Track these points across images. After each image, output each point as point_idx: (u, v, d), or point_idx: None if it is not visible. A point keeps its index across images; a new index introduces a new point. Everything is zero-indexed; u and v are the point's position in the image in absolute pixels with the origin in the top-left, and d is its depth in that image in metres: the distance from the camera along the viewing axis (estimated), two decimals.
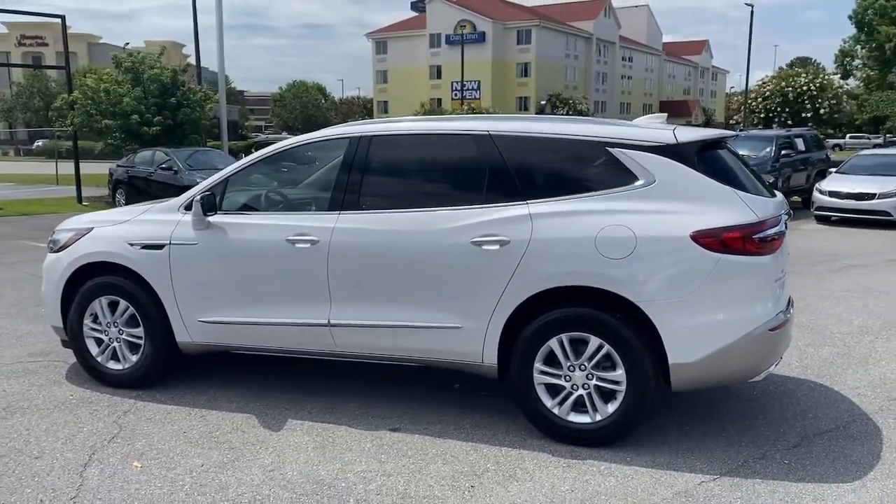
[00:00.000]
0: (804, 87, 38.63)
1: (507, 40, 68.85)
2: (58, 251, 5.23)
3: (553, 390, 4.18)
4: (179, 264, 4.79)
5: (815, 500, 3.52)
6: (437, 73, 70.54)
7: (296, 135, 8.95)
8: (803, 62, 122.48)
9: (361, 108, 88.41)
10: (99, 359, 5.13)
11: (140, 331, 4.98)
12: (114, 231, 5.03)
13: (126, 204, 13.98)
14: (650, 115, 4.82)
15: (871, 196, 14.06)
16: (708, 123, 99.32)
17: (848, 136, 59.44)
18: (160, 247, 4.84)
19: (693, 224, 3.89)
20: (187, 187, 7.10)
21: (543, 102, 56.81)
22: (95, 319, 5.11)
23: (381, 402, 4.80)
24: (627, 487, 3.66)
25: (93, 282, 5.06)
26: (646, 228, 3.92)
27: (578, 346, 4.08)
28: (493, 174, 4.29)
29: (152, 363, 5.00)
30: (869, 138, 55.52)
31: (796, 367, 5.46)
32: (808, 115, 38.37)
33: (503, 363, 4.26)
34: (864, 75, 51.89)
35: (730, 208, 3.94)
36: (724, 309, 3.89)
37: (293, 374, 5.31)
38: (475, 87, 66.19)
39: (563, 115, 50.11)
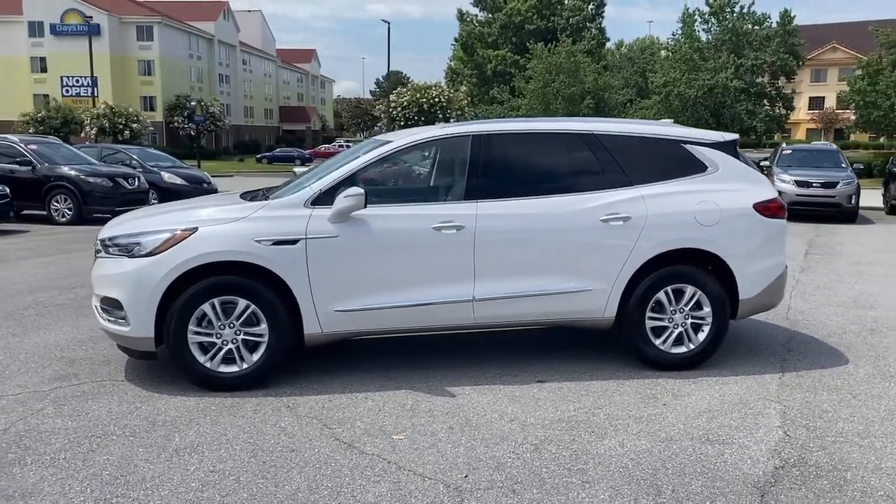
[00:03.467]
0: (436, 99, 43.66)
1: (126, 36, 64.15)
2: (145, 256, 4.85)
3: (658, 332, 5.43)
4: (318, 257, 4.92)
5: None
6: (41, 65, 62.83)
7: None
8: (395, 74, 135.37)
9: None
10: (208, 364, 4.93)
11: (261, 328, 4.94)
12: (230, 229, 4.90)
13: None
14: (664, 121, 6.31)
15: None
16: (324, 129, 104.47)
17: None
18: (294, 241, 4.90)
19: (752, 198, 5.49)
20: None
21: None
22: (200, 323, 4.90)
23: (508, 364, 5.52)
24: (741, 390, 5.10)
25: (202, 283, 4.85)
26: (724, 202, 5.41)
27: (679, 295, 5.40)
28: (604, 165, 5.39)
29: (274, 361, 5.00)
30: None
31: None
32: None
33: (620, 316, 5.38)
34: (468, 90, 60.01)
35: (765, 186, 5.64)
36: (770, 257, 5.57)
37: (404, 354, 5.67)
38: (91, 84, 60.45)
39: (198, 116, 48.97)
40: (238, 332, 4.93)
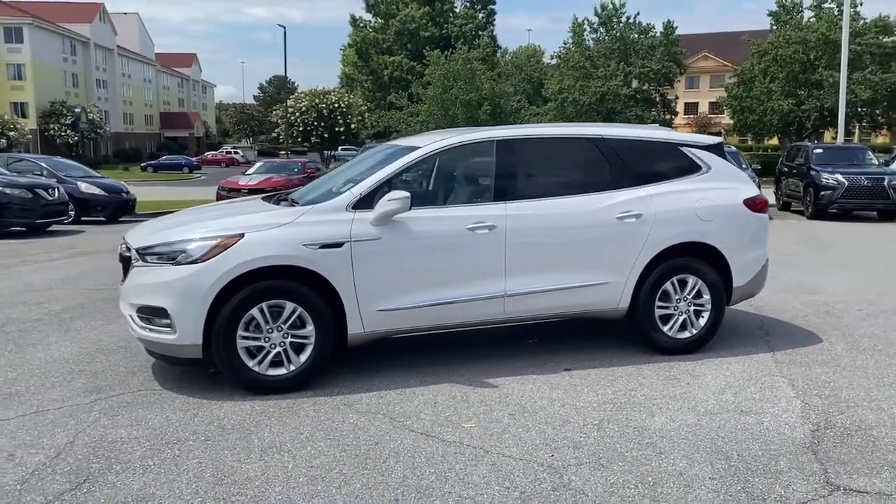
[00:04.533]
0: (335, 105, 43.47)
1: None
2: (193, 263, 4.87)
3: (665, 319, 5.92)
4: (362, 259, 5.09)
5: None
6: None
7: None
8: (279, 79, 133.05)
9: None
10: (256, 368, 5.00)
11: (307, 330, 5.05)
12: (278, 234, 4.99)
13: None
14: (653, 126, 6.83)
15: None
16: (208, 135, 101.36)
17: (340, 148, 67.58)
18: (340, 245, 5.05)
19: (741, 195, 6.08)
20: None
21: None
22: (247, 328, 4.96)
23: (530, 356, 5.85)
24: (745, 368, 5.66)
25: (251, 288, 4.92)
26: (719, 199, 5.97)
27: (683, 284, 5.91)
28: (615, 167, 5.83)
29: (320, 361, 5.13)
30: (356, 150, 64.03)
31: None
32: (341, 129, 43.38)
33: (632, 306, 5.83)
34: (364, 96, 59.96)
35: (750, 184, 6.25)
36: (757, 248, 6.17)
37: (434, 351, 5.88)
38: None
39: (83, 124, 46.60)
40: (286, 335, 5.02)
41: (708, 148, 6.17)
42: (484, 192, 5.62)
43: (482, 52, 46.97)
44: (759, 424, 4.50)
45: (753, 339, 6.44)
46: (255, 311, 4.93)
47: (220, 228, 5.03)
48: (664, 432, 4.38)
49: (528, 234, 5.47)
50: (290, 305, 5.00)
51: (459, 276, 5.35)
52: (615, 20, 41.86)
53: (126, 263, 5.38)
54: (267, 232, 5.00)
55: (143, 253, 5.06)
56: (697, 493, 3.63)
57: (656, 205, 5.77)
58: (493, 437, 4.33)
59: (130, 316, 5.15)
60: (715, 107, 72.64)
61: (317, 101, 43.59)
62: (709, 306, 5.97)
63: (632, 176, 5.85)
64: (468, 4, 58.94)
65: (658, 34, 41.73)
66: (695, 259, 5.92)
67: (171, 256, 4.95)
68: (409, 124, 42.83)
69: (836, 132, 39.68)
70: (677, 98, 48.36)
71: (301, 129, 43.81)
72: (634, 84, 41.33)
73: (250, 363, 4.97)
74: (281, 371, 5.04)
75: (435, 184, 5.80)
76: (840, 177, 17.43)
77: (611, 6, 42.02)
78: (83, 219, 16.24)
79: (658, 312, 5.88)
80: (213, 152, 75.31)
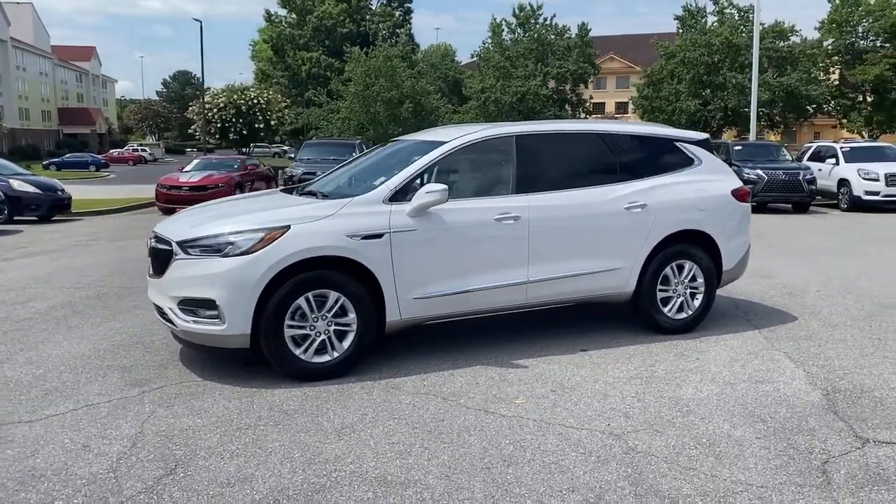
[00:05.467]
0: (255, 101, 42.75)
1: None
2: (242, 255, 4.97)
3: (665, 301, 6.39)
4: (401, 249, 5.32)
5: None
6: None
7: None
8: (184, 75, 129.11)
9: None
10: (303, 356, 5.15)
11: (349, 318, 5.23)
12: (324, 226, 5.15)
13: None
14: (651, 123, 7.28)
15: None
16: (110, 132, 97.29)
17: (253, 145, 66.48)
18: (380, 235, 5.26)
19: (729, 186, 6.63)
20: None
21: None
22: (293, 317, 5.10)
23: (544, 339, 6.19)
24: (741, 344, 6.19)
25: (298, 278, 5.06)
26: (712, 190, 6.49)
27: (681, 269, 6.40)
28: (621, 160, 6.26)
29: (361, 348, 5.32)
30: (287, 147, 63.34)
31: None
32: (261, 125, 42.72)
33: (636, 290, 6.27)
34: (280, 92, 59.07)
35: (734, 177, 6.81)
36: (742, 235, 6.73)
37: (464, 338, 6.13)
38: None
39: None
40: (330, 323, 5.19)
41: (698, 143, 6.69)
42: (506, 185, 5.91)
43: (402, 50, 47.10)
44: (776, 391, 4.99)
45: (736, 319, 7.00)
46: (301, 301, 5.08)
47: (267, 221, 5.14)
48: (698, 401, 4.81)
49: (549, 223, 5.82)
50: (333, 294, 5.16)
51: (488, 264, 5.64)
52: (533, 21, 42.84)
53: (157, 256, 5.40)
54: (312, 224, 5.15)
55: (187, 245, 5.11)
56: (751, 450, 4.06)
57: (658, 196, 6.22)
58: (546, 410, 4.65)
59: (170, 308, 5.19)
60: (621, 107, 75.60)
61: (235, 97, 42.71)
62: (703, 289, 6.47)
63: (635, 169, 6.29)
64: (385, 2, 58.98)
65: (573, 36, 42.95)
66: (691, 245, 6.41)
67: (217, 248, 5.03)
68: (330, 121, 42.56)
69: (738, 131, 42.19)
70: (591, 98, 49.91)
71: (219, 125, 42.81)
72: (551, 84, 42.44)
73: (296, 351, 5.11)
74: (325, 358, 5.20)
75: (461, 177, 6.05)
76: (760, 171, 18.62)
77: (528, 7, 42.98)
78: (16, 218, 15.55)
79: (660, 295, 6.34)
80: (119, 150, 72.39)
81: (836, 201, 19.71)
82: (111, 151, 70.90)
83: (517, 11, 42.87)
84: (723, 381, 5.19)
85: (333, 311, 5.18)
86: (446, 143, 5.78)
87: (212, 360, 5.57)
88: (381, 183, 5.53)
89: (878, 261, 10.57)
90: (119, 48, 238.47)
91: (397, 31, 54.52)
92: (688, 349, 5.99)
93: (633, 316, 6.56)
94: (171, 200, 17.38)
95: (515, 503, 3.49)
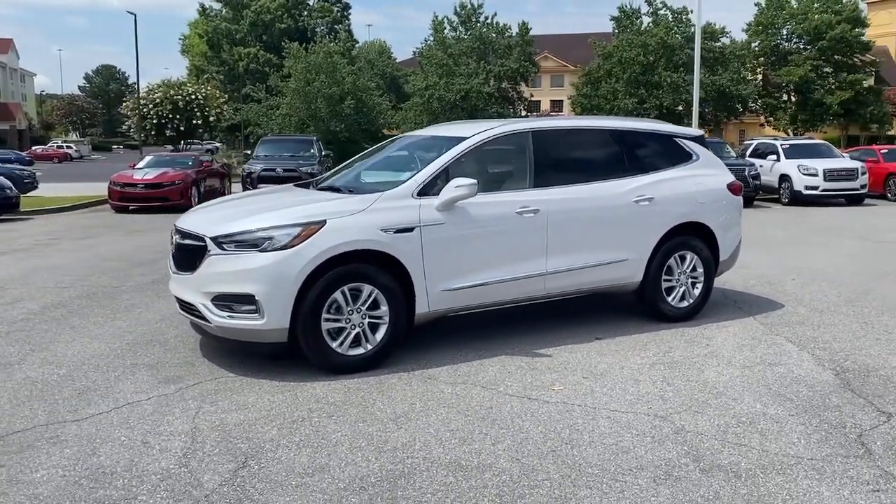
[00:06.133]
0: (193, 96, 41.76)
1: None
2: (280, 249, 4.99)
3: (669, 291, 6.67)
4: (430, 242, 5.42)
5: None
6: None
7: None
8: (108, 69, 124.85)
9: None
10: (339, 349, 5.20)
11: (382, 311, 5.31)
12: (359, 221, 5.21)
13: None
14: (650, 119, 7.55)
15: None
16: (31, 128, 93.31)
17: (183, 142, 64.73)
18: (410, 229, 5.35)
19: (724, 180, 6.95)
20: None
21: None
22: (329, 310, 5.15)
23: (557, 329, 6.37)
24: (742, 331, 6.52)
25: (334, 272, 5.11)
26: (710, 184, 6.80)
27: (683, 260, 6.69)
28: (628, 155, 6.51)
29: (393, 340, 5.40)
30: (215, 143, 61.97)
31: None
32: (199, 121, 41.80)
33: (643, 280, 6.53)
34: (216, 87, 57.81)
35: (728, 171, 7.14)
36: (736, 227, 7.07)
37: (474, 330, 6.24)
38: None
39: None
40: (364, 316, 5.25)
41: (695, 139, 7.00)
42: (523, 179, 6.07)
43: (342, 46, 46.81)
44: (790, 373, 5.30)
45: (729, 307, 7.35)
46: (337, 294, 5.13)
47: (303, 216, 5.17)
48: (724, 383, 5.07)
49: (565, 216, 6.01)
50: (367, 288, 5.23)
51: (509, 256, 5.80)
52: (474, 20, 43.17)
53: (185, 252, 5.36)
54: (347, 218, 5.20)
55: (222, 241, 5.09)
56: (790, 426, 4.33)
57: (664, 189, 6.49)
58: (587, 396, 4.83)
59: (203, 304, 5.15)
60: (556, 105, 76.92)
61: (171, 92, 41.61)
62: (702, 278, 6.78)
63: (641, 164, 6.54)
64: None
65: (514, 35, 43.49)
66: (692, 237, 6.70)
67: (254, 243, 5.03)
68: (270, 117, 41.95)
69: None
70: (532, 96, 50.63)
71: (155, 121, 41.64)
72: (492, 83, 42.87)
73: (332, 344, 5.16)
74: (360, 350, 5.26)
75: (481, 171, 6.18)
76: None
77: (469, 6, 43.29)
78: None
79: (664, 285, 6.61)
80: (42, 147, 69.59)
81: (777, 196, 20.60)
82: (34, 148, 68.07)
83: (458, 10, 43.10)
84: (740, 365, 5.48)
85: (367, 304, 5.24)
86: (468, 138, 5.90)
87: (237, 356, 5.55)
88: (409, 178, 5.62)
89: (837, 251, 11.19)
90: (36, 41, 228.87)
91: (335, 27, 54.12)
92: (696, 336, 6.27)
93: (637, 305, 6.81)
94: (126, 198, 16.94)
95: (592, 483, 3.65)
